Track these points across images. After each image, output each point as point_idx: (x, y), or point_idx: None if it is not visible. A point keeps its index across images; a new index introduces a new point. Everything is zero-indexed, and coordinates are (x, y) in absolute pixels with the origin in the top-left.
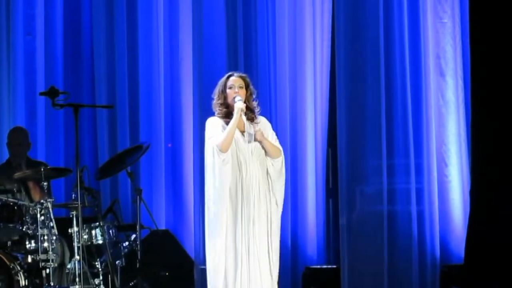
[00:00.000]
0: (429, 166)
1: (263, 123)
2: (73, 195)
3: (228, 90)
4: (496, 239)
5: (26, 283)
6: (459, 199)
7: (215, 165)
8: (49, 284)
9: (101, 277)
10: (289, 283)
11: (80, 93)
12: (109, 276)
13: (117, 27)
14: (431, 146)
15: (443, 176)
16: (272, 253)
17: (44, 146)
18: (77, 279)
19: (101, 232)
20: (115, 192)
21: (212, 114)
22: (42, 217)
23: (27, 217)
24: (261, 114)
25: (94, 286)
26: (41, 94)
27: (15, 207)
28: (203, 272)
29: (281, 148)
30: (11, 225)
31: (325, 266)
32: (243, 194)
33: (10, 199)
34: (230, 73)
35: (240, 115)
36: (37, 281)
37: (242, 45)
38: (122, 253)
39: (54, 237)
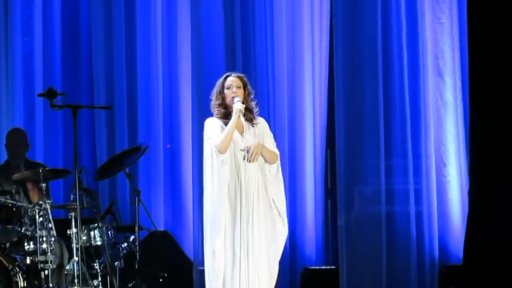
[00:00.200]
0: (428, 166)
1: (261, 123)
2: (72, 196)
3: (226, 91)
4: (494, 239)
5: (25, 285)
6: (457, 199)
7: (213, 166)
8: (48, 286)
9: (99, 278)
10: (288, 284)
11: (78, 94)
12: (108, 277)
13: (115, 28)
14: (429, 146)
15: (442, 176)
16: (271, 255)
17: (42, 147)
18: (75, 280)
19: (100, 233)
20: (113, 193)
21: (211, 114)
22: (41, 219)
23: (25, 219)
24: (260, 114)
25: (93, 287)
26: (40, 95)
27: (14, 209)
28: (202, 273)
29: (278, 153)
30: (9, 226)
31: (323, 267)
32: (241, 195)
33: (9, 201)
34: (227, 74)
35: (239, 116)
36: (36, 282)
37: (240, 45)
38: (121, 254)
39: (53, 239)
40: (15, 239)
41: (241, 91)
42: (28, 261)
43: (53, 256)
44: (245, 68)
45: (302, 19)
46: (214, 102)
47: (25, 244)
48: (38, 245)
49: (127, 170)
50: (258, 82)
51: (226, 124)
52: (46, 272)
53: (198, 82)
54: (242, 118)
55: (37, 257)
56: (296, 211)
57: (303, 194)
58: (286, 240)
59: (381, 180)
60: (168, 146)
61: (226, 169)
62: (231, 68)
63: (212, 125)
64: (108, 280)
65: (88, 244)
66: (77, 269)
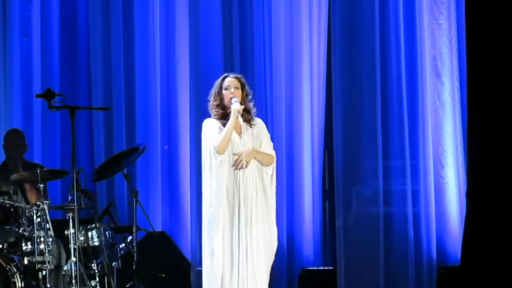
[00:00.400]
0: (426, 168)
1: (259, 124)
2: (70, 197)
3: (224, 92)
4: (492, 240)
5: (23, 285)
6: (455, 200)
7: (212, 167)
8: (46, 286)
9: (97, 279)
10: (286, 285)
11: (76, 95)
12: (106, 278)
13: (113, 29)
14: (427, 148)
15: (440, 177)
16: (268, 257)
17: (40, 148)
18: (73, 281)
19: (98, 234)
20: (111, 194)
21: (208, 115)
22: (39, 219)
23: (23, 219)
24: (257, 115)
25: (91, 287)
26: (38, 96)
27: (12, 209)
28: (200, 273)
29: (273, 154)
30: (7, 227)
31: (321, 268)
32: (240, 196)
33: (7, 201)
34: (225, 74)
35: (237, 116)
36: (34, 283)
37: (238, 46)
38: (119, 255)
39: (51, 239)
40: (12, 239)
41: (239, 91)
42: (25, 261)
43: (50, 256)
44: (243, 69)
45: (300, 21)
46: (212, 103)
47: (23, 244)
48: (35, 245)
49: (125, 171)
50: (255, 83)
51: (224, 125)
52: (44, 272)
53: (196, 82)
54: (240, 119)
55: (35, 257)
56: (294, 212)
57: (301, 195)
58: (284, 241)
59: (379, 181)
60: (166, 147)
61: (225, 170)
62: (229, 69)
63: (210, 126)
64: (106, 280)
65: (85, 244)
66: (74, 270)
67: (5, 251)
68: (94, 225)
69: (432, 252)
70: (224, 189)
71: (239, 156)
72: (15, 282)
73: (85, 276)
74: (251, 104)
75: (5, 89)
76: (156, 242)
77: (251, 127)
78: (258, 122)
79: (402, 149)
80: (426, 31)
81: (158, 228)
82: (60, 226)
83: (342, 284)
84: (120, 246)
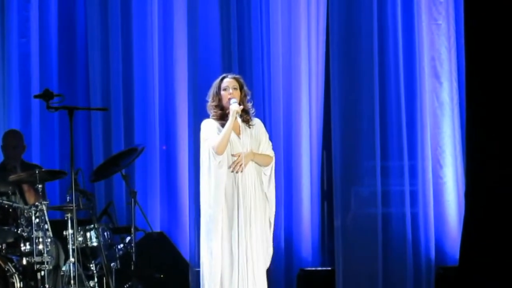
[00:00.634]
0: (424, 168)
1: (257, 125)
2: (68, 197)
3: (222, 92)
4: (491, 241)
5: (21, 286)
6: (454, 201)
7: (210, 168)
8: (44, 287)
9: (96, 279)
10: (284, 285)
11: (74, 96)
12: (104, 278)
13: (111, 30)
14: (426, 148)
15: (438, 178)
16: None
17: (38, 149)
18: (72, 282)
19: (96, 235)
20: (109, 194)
21: (207, 116)
22: (37, 220)
23: (22, 220)
24: (255, 116)
25: None
26: (36, 96)
27: (10, 210)
28: (198, 274)
29: (272, 154)
30: (6, 227)
31: (319, 268)
32: (239, 196)
33: (5, 202)
34: (224, 75)
35: (236, 117)
36: (32, 283)
37: (236, 47)
38: (117, 256)
39: (49, 240)
40: (11, 240)
41: (238, 92)
42: (24, 262)
43: (49, 257)
44: (241, 70)
45: (298, 22)
46: (210, 103)
47: (22, 245)
48: (34, 246)
49: (123, 171)
50: (254, 83)
51: (222, 125)
52: (43, 273)
53: (194, 83)
54: (239, 120)
55: (34, 258)
56: (293, 212)
57: (299, 195)
58: (282, 241)
59: (377, 181)
60: (164, 147)
61: (223, 170)
62: (227, 69)
63: (209, 126)
64: (104, 281)
65: (84, 245)
66: (73, 270)
67: (3, 251)
68: (92, 225)
69: (431, 253)
70: (223, 190)
71: (237, 158)
72: (14, 283)
73: (83, 276)
74: (249, 105)
75: (3, 90)
76: (155, 243)
77: (249, 127)
78: (257, 122)
79: (401, 150)
80: (424, 31)
81: (157, 228)
82: (58, 227)
83: (340, 284)
84: (119, 247)
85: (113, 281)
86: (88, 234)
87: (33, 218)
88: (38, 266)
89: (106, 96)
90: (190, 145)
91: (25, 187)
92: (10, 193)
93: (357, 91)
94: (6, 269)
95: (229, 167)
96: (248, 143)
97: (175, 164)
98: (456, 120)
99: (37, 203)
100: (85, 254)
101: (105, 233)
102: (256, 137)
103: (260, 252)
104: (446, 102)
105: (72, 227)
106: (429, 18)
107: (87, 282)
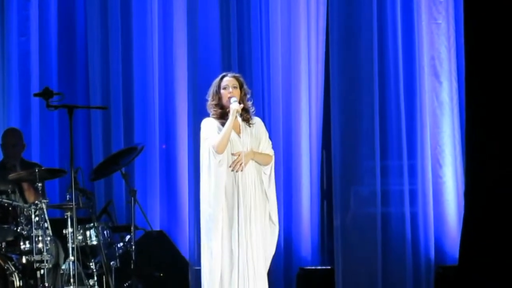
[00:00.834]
0: (424, 168)
1: (257, 123)
2: (68, 196)
3: (222, 91)
4: (490, 240)
5: (21, 284)
6: (453, 200)
7: (210, 167)
8: (44, 285)
9: (95, 278)
10: (283, 284)
11: (74, 94)
12: (104, 277)
13: (111, 28)
14: (425, 148)
15: (438, 177)
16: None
17: (38, 147)
18: (71, 280)
19: (96, 233)
20: (109, 193)
21: (206, 115)
22: (37, 218)
23: (21, 218)
24: (255, 115)
25: (89, 287)
26: (35, 95)
27: (10, 208)
28: (198, 273)
29: (272, 153)
30: (5, 226)
31: (319, 267)
32: (239, 196)
33: (5, 200)
34: (224, 74)
35: (236, 116)
36: (32, 281)
37: (236, 45)
38: (117, 254)
39: (49, 238)
40: (11, 238)
41: (238, 91)
42: (24, 260)
43: (49, 255)
44: (240, 68)
45: (298, 21)
46: (210, 102)
47: (21, 243)
48: (34, 244)
49: (123, 170)
50: (253, 82)
51: (223, 124)
52: (42, 271)
53: (194, 82)
54: (239, 118)
55: (33, 256)
56: (292, 211)
57: (299, 194)
58: (282, 240)
59: (376, 181)
60: (164, 146)
61: (223, 169)
62: (227, 68)
63: (209, 125)
64: (104, 279)
65: (84, 243)
66: (73, 269)
67: (3, 250)
68: (92, 224)
69: (430, 252)
70: (223, 189)
71: (237, 157)
72: (13, 281)
73: (83, 275)
74: (249, 103)
75: (3, 88)
76: (154, 241)
77: (249, 126)
78: (257, 121)
79: (400, 149)
80: (424, 30)
81: (156, 227)
82: (58, 225)
83: (340, 284)
84: (118, 245)
85: (113, 279)
86: (87, 233)
87: (33, 216)
88: (37, 264)
89: (106, 95)
90: (189, 144)
91: (25, 185)
92: (10, 192)
93: (357, 91)
94: (5, 267)
95: (229, 166)
96: (248, 142)
97: (175, 163)
98: (456, 119)
99: (36, 202)
100: (85, 252)
101: (105, 232)
102: (256, 136)
103: (260, 251)
104: (446, 101)
105: (72, 226)
106: (429, 17)
107: (86, 281)
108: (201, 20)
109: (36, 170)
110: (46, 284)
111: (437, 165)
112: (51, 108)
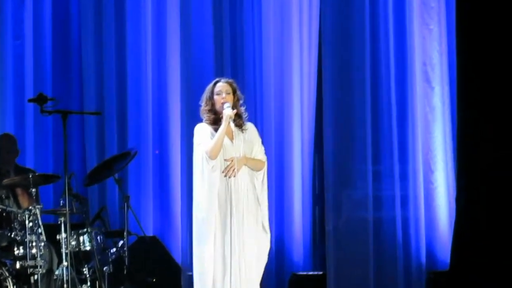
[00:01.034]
0: (415, 173)
1: (250, 129)
2: (61, 201)
3: (215, 97)
4: (481, 245)
5: None
6: (444, 205)
7: (204, 172)
8: None
9: (89, 283)
10: None
11: (68, 99)
12: (97, 282)
13: (105, 33)
14: (417, 153)
15: (429, 182)
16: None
17: (32, 153)
18: (65, 285)
19: (89, 239)
20: (103, 198)
21: (199, 120)
22: (31, 224)
23: (15, 224)
24: (248, 120)
25: None
26: (30, 100)
27: (4, 214)
28: (190, 278)
29: (264, 159)
30: None
31: (311, 273)
32: (232, 200)
33: None
34: (217, 79)
35: (229, 122)
36: (26, 287)
37: (229, 51)
38: (110, 259)
39: (42, 244)
40: (4, 244)
41: (231, 96)
42: (17, 265)
43: (42, 261)
44: (233, 74)
45: (291, 27)
46: (203, 107)
47: (15, 249)
48: (27, 250)
49: (116, 175)
50: (245, 86)
51: (216, 130)
52: (36, 276)
53: (187, 87)
54: (232, 124)
55: (27, 261)
56: (284, 216)
57: (291, 199)
58: (274, 245)
59: (368, 185)
60: (157, 152)
61: (217, 175)
62: (220, 73)
63: (202, 131)
64: (97, 285)
65: (77, 249)
66: (66, 274)
67: None
68: (85, 229)
69: (421, 257)
70: (216, 194)
71: (230, 163)
72: (7, 286)
73: (76, 280)
74: (242, 109)
75: None
76: (147, 247)
77: (242, 132)
78: (250, 126)
79: (392, 154)
80: (416, 36)
81: (149, 232)
82: (52, 231)
83: None
84: (111, 251)
85: (106, 285)
86: (81, 238)
87: (27, 222)
88: (31, 270)
89: (100, 100)
90: (182, 150)
91: (19, 191)
92: (4, 197)
93: (349, 96)
94: None
95: (222, 171)
96: (241, 148)
97: (168, 169)
98: (448, 124)
99: (30, 207)
100: (78, 258)
101: (98, 237)
102: (249, 142)
103: (253, 257)
104: (438, 106)
105: (66, 231)
106: (421, 23)
107: (80, 286)
108: (194, 26)
109: (30, 176)
110: None
111: (428, 170)
112: (45, 114)
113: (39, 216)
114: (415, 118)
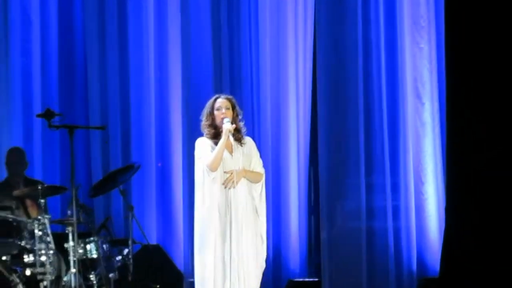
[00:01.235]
0: (407, 184)
1: (249, 143)
2: (69, 211)
3: (215, 112)
4: (469, 253)
5: None
6: (435, 215)
7: (204, 184)
8: None
9: None
10: None
11: (74, 114)
12: None
13: (109, 51)
14: (408, 165)
15: (420, 193)
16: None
17: (40, 165)
18: None
19: (95, 247)
20: (108, 208)
21: (200, 134)
22: (40, 233)
23: (25, 233)
24: (246, 134)
25: None
26: (38, 116)
27: (14, 223)
28: (192, 285)
29: (262, 171)
30: (10, 240)
31: (307, 279)
32: (231, 213)
33: (9, 216)
34: (217, 96)
35: (228, 136)
36: None
37: (228, 70)
38: (115, 267)
39: (51, 251)
40: (15, 252)
41: (230, 112)
42: (28, 272)
43: (51, 268)
44: (231, 90)
45: (286, 43)
46: (204, 122)
47: (25, 256)
48: (37, 257)
49: (121, 187)
50: (243, 101)
51: (216, 143)
52: (45, 283)
53: (188, 103)
54: (231, 138)
55: (36, 269)
56: (281, 226)
57: (287, 210)
58: (271, 253)
59: (361, 197)
60: (159, 164)
61: (217, 186)
62: (219, 90)
63: (203, 144)
64: None
65: (84, 257)
66: (74, 281)
67: (8, 262)
68: (92, 238)
69: (413, 265)
70: (216, 205)
71: (229, 175)
72: None
73: (84, 286)
74: (241, 124)
75: (7, 109)
76: (151, 255)
77: (241, 145)
78: (248, 141)
79: (384, 167)
80: (407, 54)
81: (153, 241)
82: (60, 239)
83: None
84: (117, 259)
85: None
86: (88, 247)
87: (36, 231)
88: (40, 276)
89: (104, 115)
90: (184, 162)
91: (28, 201)
92: (14, 208)
93: (343, 111)
94: (10, 279)
95: (222, 183)
96: (240, 161)
97: (170, 180)
98: (437, 139)
99: (39, 217)
100: (85, 265)
101: (104, 246)
102: (248, 155)
103: (252, 266)
104: (428, 122)
105: (73, 240)
106: (412, 41)
107: None
108: (194, 45)
109: (39, 187)
110: None
111: (419, 182)
112: (52, 128)
113: (47, 225)
114: (406, 133)
